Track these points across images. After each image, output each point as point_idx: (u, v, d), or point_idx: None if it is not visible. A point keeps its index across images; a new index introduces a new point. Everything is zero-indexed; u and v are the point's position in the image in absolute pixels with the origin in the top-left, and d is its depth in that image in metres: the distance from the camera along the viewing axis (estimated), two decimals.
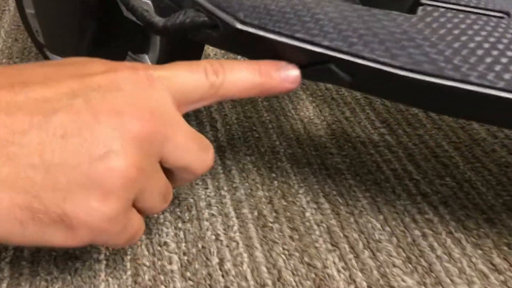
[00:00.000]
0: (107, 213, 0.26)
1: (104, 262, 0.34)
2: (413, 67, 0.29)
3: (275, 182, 0.42)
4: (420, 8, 0.36)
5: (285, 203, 0.40)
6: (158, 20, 0.36)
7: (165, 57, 0.43)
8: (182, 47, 0.42)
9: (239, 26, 0.32)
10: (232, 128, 0.49)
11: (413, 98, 0.30)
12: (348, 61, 0.30)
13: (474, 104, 0.29)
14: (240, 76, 0.31)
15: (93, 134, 0.25)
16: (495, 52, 0.30)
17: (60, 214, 0.25)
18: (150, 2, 0.41)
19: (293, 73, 0.32)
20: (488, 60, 0.30)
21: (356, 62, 0.30)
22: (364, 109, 0.53)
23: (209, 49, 0.62)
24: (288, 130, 0.49)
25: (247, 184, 0.42)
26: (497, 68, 0.29)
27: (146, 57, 0.43)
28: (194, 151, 0.29)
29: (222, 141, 0.47)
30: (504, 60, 0.30)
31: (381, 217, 0.40)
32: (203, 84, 0.30)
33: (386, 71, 0.29)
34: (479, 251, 0.38)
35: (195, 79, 0.30)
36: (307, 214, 0.39)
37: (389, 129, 0.50)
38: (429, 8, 0.35)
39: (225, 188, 0.41)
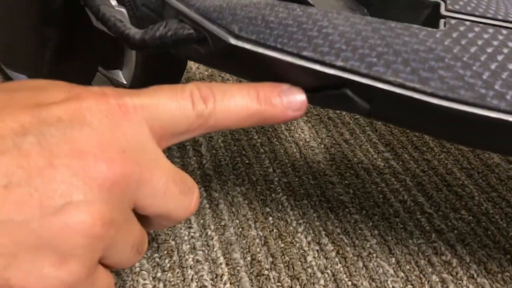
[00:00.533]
0: (65, 279, 0.20)
1: None
2: (448, 94, 0.24)
3: (270, 218, 0.37)
4: (443, 21, 0.31)
5: (282, 245, 0.35)
6: (134, 32, 0.30)
7: (142, 74, 0.37)
8: (162, 62, 0.36)
9: (233, 41, 0.27)
10: (219, 153, 0.43)
11: (447, 130, 0.25)
12: (367, 85, 0.24)
13: None
14: (234, 103, 0.25)
15: (46, 183, 0.20)
16: None
17: (3, 286, 0.19)
18: (124, 11, 0.35)
19: (298, 98, 0.26)
20: None
21: (377, 87, 0.24)
22: (364, 130, 0.48)
23: (192, 63, 0.56)
24: (282, 155, 0.43)
25: (237, 221, 0.36)
26: None
27: (120, 73, 0.37)
28: (175, 196, 0.24)
29: (208, 168, 0.41)
30: None
31: (393, 260, 0.34)
32: (189, 114, 0.25)
33: (415, 99, 0.24)
34: None
35: (179, 108, 0.24)
36: (309, 258, 0.34)
37: (393, 153, 0.45)
38: (453, 21, 0.30)
39: (212, 227, 0.35)
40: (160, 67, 0.38)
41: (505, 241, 0.37)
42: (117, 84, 0.38)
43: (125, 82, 0.37)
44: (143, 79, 0.37)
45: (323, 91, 0.26)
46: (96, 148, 0.21)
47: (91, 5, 0.32)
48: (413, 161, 0.44)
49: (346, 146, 0.45)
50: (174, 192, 0.24)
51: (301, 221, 0.37)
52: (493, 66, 0.26)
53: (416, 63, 0.26)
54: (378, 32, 0.28)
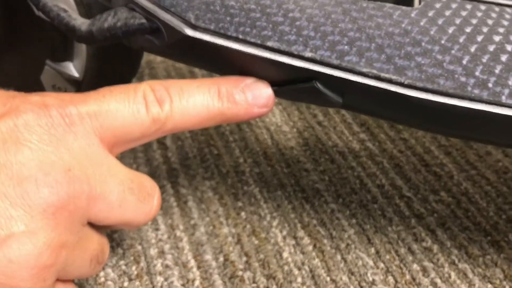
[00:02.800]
0: None
1: None
2: (426, 85, 0.21)
3: (243, 213, 0.35)
4: None
5: (256, 242, 0.33)
6: (80, 23, 0.27)
7: (96, 65, 0.34)
8: (116, 52, 0.33)
9: (190, 32, 0.24)
10: (185, 144, 0.41)
11: (427, 123, 0.23)
12: (339, 78, 0.22)
13: (507, 130, 0.22)
14: (193, 103, 0.23)
15: None
16: None
17: None
18: None
19: (264, 93, 0.24)
20: None
21: (350, 80, 0.22)
22: (338, 110, 0.46)
23: None
24: (253, 143, 0.41)
25: (208, 219, 0.34)
26: None
27: (71, 65, 0.34)
28: (133, 205, 0.23)
29: (174, 162, 0.39)
30: None
31: (373, 250, 0.33)
32: (143, 120, 0.22)
33: (391, 91, 0.22)
34: (489, 285, 0.32)
35: (132, 113, 0.22)
36: (285, 254, 0.32)
37: (369, 133, 0.43)
38: None
39: (181, 227, 0.33)
40: (115, 56, 0.35)
41: (486, 222, 0.36)
42: (68, 78, 0.35)
43: (77, 75, 0.34)
44: (97, 71, 0.34)
45: (291, 85, 0.24)
46: (37, 171, 0.19)
47: None
48: (389, 141, 0.42)
49: (320, 128, 0.43)
50: (131, 201, 0.23)
51: (275, 214, 0.35)
52: (473, 49, 0.24)
53: (391, 49, 0.23)
54: (349, 14, 0.26)
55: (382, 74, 0.22)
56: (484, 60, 0.23)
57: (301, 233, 0.34)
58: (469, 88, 0.21)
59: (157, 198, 0.24)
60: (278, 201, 0.36)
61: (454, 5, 0.28)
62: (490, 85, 0.22)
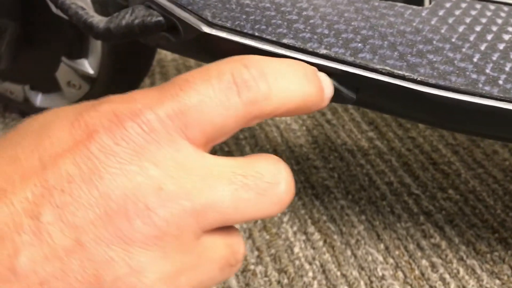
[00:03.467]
0: None
1: None
2: (438, 82, 0.22)
3: None
4: None
5: (267, 237, 0.33)
6: (98, 20, 0.28)
7: (110, 62, 0.34)
8: (130, 49, 0.34)
9: (206, 29, 0.25)
10: None
11: (439, 119, 0.23)
12: (354, 74, 0.23)
13: None
14: (289, 83, 0.19)
15: (81, 267, 0.16)
16: None
17: None
18: None
19: (329, 83, 0.22)
20: None
21: (364, 75, 0.23)
22: (346, 108, 0.46)
23: None
24: (263, 140, 0.42)
25: None
26: None
27: (86, 62, 0.35)
28: (252, 202, 0.19)
29: None
30: None
31: (382, 246, 0.34)
32: (236, 108, 0.19)
33: (404, 87, 0.22)
34: (497, 281, 0.32)
35: (220, 103, 0.18)
36: (296, 249, 0.33)
37: (377, 132, 0.44)
38: None
39: None
40: (130, 53, 0.35)
41: (493, 220, 0.36)
42: (83, 74, 0.35)
43: (92, 72, 0.35)
44: (111, 68, 0.35)
45: None
46: (124, 201, 0.16)
47: None
48: (397, 140, 0.43)
49: (329, 127, 0.44)
50: (248, 200, 0.18)
51: (286, 210, 0.35)
52: (483, 47, 0.24)
53: (404, 46, 0.24)
54: (361, 13, 0.26)
55: (396, 71, 0.22)
56: (494, 58, 0.24)
57: (311, 228, 0.34)
58: (480, 85, 0.22)
59: (285, 183, 0.19)
60: None
61: (464, 5, 0.28)
62: (500, 82, 0.22)
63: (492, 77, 0.23)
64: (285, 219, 0.35)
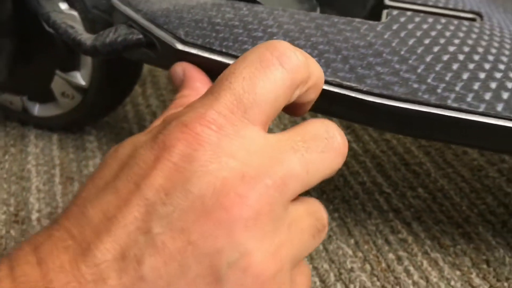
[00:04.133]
0: None
1: None
2: (382, 91, 0.25)
3: None
4: (385, 12, 0.32)
5: None
6: (86, 38, 0.31)
7: (100, 74, 0.37)
8: (118, 62, 0.37)
9: (180, 46, 0.28)
10: None
11: (386, 124, 0.26)
12: None
13: (456, 130, 0.25)
14: (313, 62, 0.22)
15: (198, 265, 0.18)
16: (471, 66, 0.27)
17: None
18: (76, 14, 0.35)
19: None
20: (465, 76, 0.26)
21: None
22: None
23: None
24: None
25: None
26: (476, 86, 0.26)
27: (78, 74, 0.38)
28: (319, 161, 0.21)
29: None
30: (481, 75, 0.26)
31: (352, 241, 0.36)
32: (281, 80, 0.21)
33: (351, 97, 0.25)
34: (458, 272, 0.35)
35: (268, 79, 0.20)
36: None
37: (354, 135, 0.46)
38: (395, 12, 0.32)
39: None
40: (118, 65, 0.38)
41: (458, 216, 0.39)
42: (76, 86, 0.38)
43: (83, 83, 0.38)
44: (102, 79, 0.38)
45: None
46: (216, 197, 0.18)
47: (41, 12, 0.32)
48: (373, 142, 0.46)
49: None
50: (315, 161, 0.21)
51: None
52: (428, 59, 0.27)
53: (355, 60, 0.27)
54: (321, 29, 0.29)
55: (345, 82, 0.25)
56: (437, 69, 0.27)
57: None
58: (420, 93, 0.25)
59: (339, 135, 0.22)
60: None
61: (417, 19, 0.31)
62: (439, 90, 0.25)
63: (432, 86, 0.25)
64: None
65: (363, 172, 0.42)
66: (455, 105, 0.24)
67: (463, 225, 0.38)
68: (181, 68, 0.26)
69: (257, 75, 0.20)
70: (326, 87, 0.25)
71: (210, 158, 0.19)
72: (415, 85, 0.25)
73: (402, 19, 0.31)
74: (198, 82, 0.26)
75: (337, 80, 0.25)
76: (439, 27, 0.30)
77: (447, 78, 0.26)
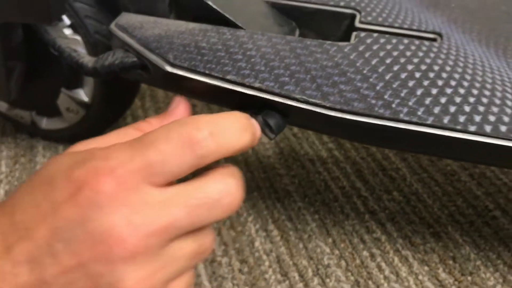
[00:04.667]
0: None
1: None
2: (343, 107, 0.29)
3: None
4: (354, 33, 0.36)
5: (233, 234, 0.40)
6: (87, 61, 0.35)
7: (101, 92, 0.41)
8: (119, 80, 0.41)
9: (169, 68, 0.31)
10: None
11: (350, 136, 0.30)
12: (279, 103, 0.29)
13: (408, 140, 0.29)
14: (231, 139, 0.26)
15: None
16: (426, 82, 0.31)
17: None
18: (79, 38, 0.39)
19: None
20: (419, 92, 0.30)
21: (287, 104, 0.29)
22: None
23: None
24: None
25: None
26: (427, 101, 0.29)
27: (81, 92, 0.42)
28: (203, 215, 0.24)
29: None
30: (434, 91, 0.30)
31: (330, 240, 0.40)
32: (190, 162, 0.24)
33: (317, 112, 0.29)
34: (426, 268, 0.38)
35: (179, 158, 0.24)
36: (256, 243, 0.39)
37: (336, 143, 0.50)
38: (362, 34, 0.35)
39: None
40: (117, 84, 0.42)
41: (429, 217, 0.42)
42: (79, 102, 0.42)
43: (86, 100, 0.42)
44: (103, 95, 0.42)
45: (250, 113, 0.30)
46: (105, 235, 0.23)
47: (47, 38, 0.36)
48: (353, 150, 0.49)
49: (294, 139, 0.50)
50: (201, 215, 0.24)
51: (251, 211, 0.42)
52: (387, 77, 0.31)
53: (322, 79, 0.30)
54: (294, 51, 0.33)
55: (311, 99, 0.29)
56: (394, 86, 0.30)
57: (271, 226, 0.41)
58: (376, 108, 0.28)
59: (229, 197, 0.25)
60: (254, 201, 0.43)
61: (382, 40, 0.35)
62: (393, 105, 0.29)
63: (388, 102, 0.29)
64: (250, 219, 0.41)
65: (343, 177, 0.46)
66: (406, 118, 0.28)
67: (434, 225, 0.42)
68: (177, 100, 0.30)
69: (171, 152, 0.24)
70: (295, 103, 0.29)
71: (108, 203, 0.23)
72: (373, 101, 0.29)
73: (369, 41, 0.34)
74: (172, 118, 0.29)
75: (304, 97, 0.29)
76: (401, 47, 0.34)
77: (402, 94, 0.29)
